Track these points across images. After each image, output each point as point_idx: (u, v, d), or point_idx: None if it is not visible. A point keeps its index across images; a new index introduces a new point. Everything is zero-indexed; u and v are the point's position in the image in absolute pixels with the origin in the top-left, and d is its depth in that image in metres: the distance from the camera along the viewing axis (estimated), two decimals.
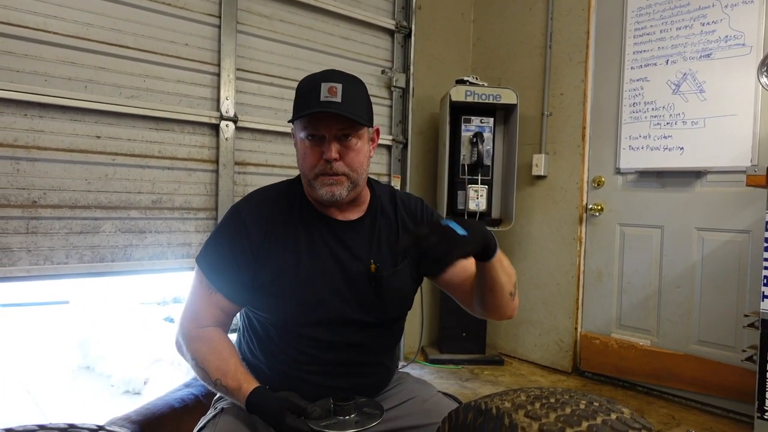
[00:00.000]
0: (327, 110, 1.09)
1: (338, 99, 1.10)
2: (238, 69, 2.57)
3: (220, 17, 2.50)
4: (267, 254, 1.18)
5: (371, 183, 1.32)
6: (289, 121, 1.22)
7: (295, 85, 1.19)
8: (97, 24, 2.20)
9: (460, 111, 3.27)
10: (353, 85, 1.16)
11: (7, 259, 2.05)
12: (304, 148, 1.17)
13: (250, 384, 1.08)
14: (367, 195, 1.29)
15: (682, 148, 2.80)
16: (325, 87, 1.11)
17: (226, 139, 2.54)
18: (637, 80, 2.97)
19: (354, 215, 1.26)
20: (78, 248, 2.20)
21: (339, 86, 1.12)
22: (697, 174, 2.76)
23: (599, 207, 3.14)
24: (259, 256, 1.18)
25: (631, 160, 3.00)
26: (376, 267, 1.21)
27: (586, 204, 3.20)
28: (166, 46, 2.38)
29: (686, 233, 2.79)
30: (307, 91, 1.15)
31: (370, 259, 1.22)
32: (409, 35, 3.24)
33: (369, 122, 1.18)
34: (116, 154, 2.27)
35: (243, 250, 1.17)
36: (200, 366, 1.14)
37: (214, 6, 2.50)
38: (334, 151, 1.13)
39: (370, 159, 1.24)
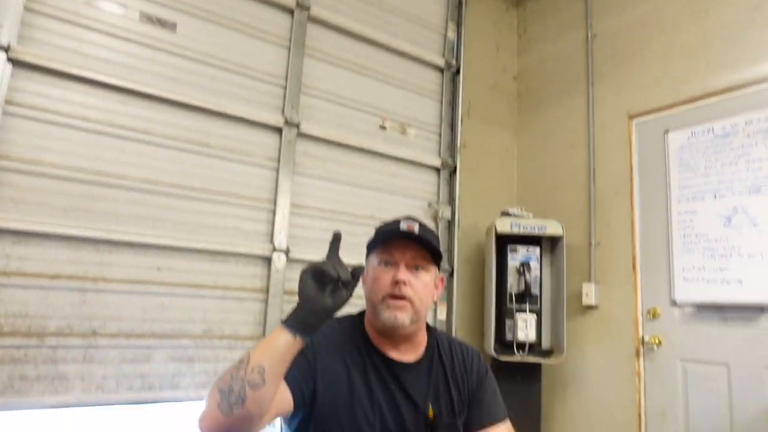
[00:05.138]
0: (405, 235, 1.24)
1: (415, 232, 1.25)
2: (292, 205, 2.73)
3: (278, 161, 2.72)
4: (324, 374, 1.20)
5: (429, 327, 1.36)
6: (366, 256, 1.33)
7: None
8: (170, 170, 2.42)
9: (507, 240, 3.29)
10: (429, 229, 1.30)
11: (62, 387, 2.11)
12: (376, 273, 1.26)
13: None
14: (424, 338, 1.32)
15: (740, 281, 2.68)
16: (404, 223, 1.29)
17: (278, 270, 2.64)
18: (686, 213, 2.94)
19: (411, 357, 1.28)
20: (129, 376, 2.26)
21: (416, 224, 1.28)
22: (761, 309, 2.61)
23: (657, 340, 2.98)
24: (317, 371, 1.19)
25: (687, 291, 2.88)
26: (435, 414, 1.21)
27: (642, 336, 3.05)
28: (228, 188, 2.57)
29: (756, 372, 2.58)
30: (386, 226, 1.33)
31: (428, 403, 1.22)
32: (454, 171, 3.39)
33: (438, 257, 1.29)
34: (173, 284, 2.39)
35: (306, 359, 1.18)
36: (224, 383, 1.01)
37: (275, 152, 2.72)
38: (404, 272, 1.23)
39: (432, 303, 1.32)
